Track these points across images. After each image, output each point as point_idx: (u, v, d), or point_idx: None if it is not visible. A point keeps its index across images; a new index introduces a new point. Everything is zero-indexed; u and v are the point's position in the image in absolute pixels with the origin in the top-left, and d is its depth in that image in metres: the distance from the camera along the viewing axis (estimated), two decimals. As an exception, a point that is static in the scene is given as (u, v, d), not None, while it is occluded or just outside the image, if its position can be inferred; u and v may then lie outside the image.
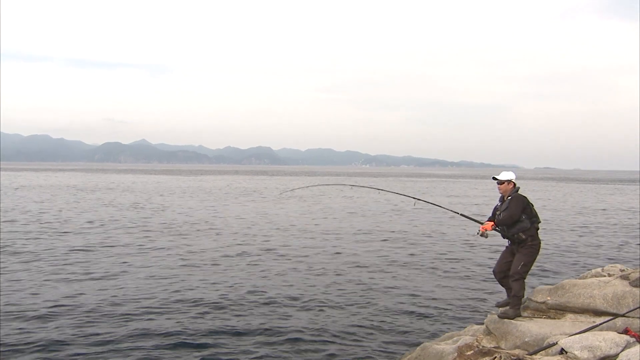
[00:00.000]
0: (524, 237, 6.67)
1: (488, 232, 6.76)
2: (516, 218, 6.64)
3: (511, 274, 6.73)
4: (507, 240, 6.94)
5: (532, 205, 6.82)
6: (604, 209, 39.65)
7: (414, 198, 8.16)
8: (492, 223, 6.78)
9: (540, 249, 6.76)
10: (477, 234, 6.85)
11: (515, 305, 6.70)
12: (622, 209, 39.93)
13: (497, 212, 6.92)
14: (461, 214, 7.37)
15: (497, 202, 7.15)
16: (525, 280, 6.74)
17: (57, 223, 25.22)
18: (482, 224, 6.88)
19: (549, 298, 6.84)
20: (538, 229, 6.82)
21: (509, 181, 6.91)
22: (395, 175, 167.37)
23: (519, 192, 6.93)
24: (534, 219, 6.74)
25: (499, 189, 6.99)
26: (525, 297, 7.08)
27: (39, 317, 10.26)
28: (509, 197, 6.83)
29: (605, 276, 7.43)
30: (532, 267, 6.85)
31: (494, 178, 7.02)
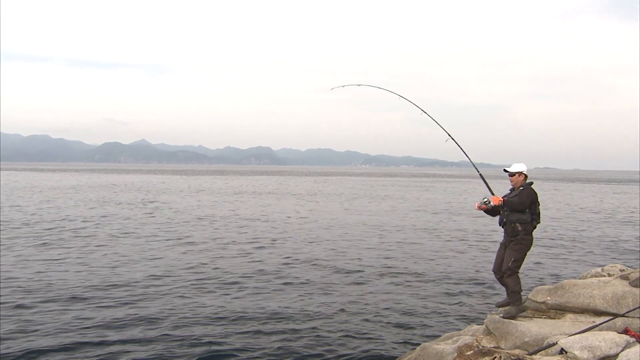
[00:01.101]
0: (519, 228, 6.70)
1: (491, 204, 6.79)
2: (524, 207, 6.67)
3: (504, 270, 6.78)
4: (502, 230, 6.96)
5: (539, 204, 6.86)
6: (603, 209, 39.65)
7: (447, 133, 8.12)
8: (501, 199, 6.79)
9: (540, 249, 6.78)
10: (483, 199, 6.91)
11: (516, 302, 6.70)
12: (622, 209, 39.92)
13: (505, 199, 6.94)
14: (480, 174, 7.48)
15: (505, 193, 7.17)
16: (525, 281, 6.75)
17: (83, 222, 25.26)
18: (493, 194, 6.93)
19: (548, 298, 6.84)
20: (535, 227, 6.85)
21: (520, 173, 6.96)
22: (395, 175, 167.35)
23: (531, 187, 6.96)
24: (534, 216, 6.78)
25: (511, 181, 7.04)
26: (525, 296, 7.08)
27: (34, 312, 10.29)
28: (521, 187, 6.86)
29: (605, 276, 7.43)
30: (533, 268, 6.85)
31: (505, 170, 7.06)
